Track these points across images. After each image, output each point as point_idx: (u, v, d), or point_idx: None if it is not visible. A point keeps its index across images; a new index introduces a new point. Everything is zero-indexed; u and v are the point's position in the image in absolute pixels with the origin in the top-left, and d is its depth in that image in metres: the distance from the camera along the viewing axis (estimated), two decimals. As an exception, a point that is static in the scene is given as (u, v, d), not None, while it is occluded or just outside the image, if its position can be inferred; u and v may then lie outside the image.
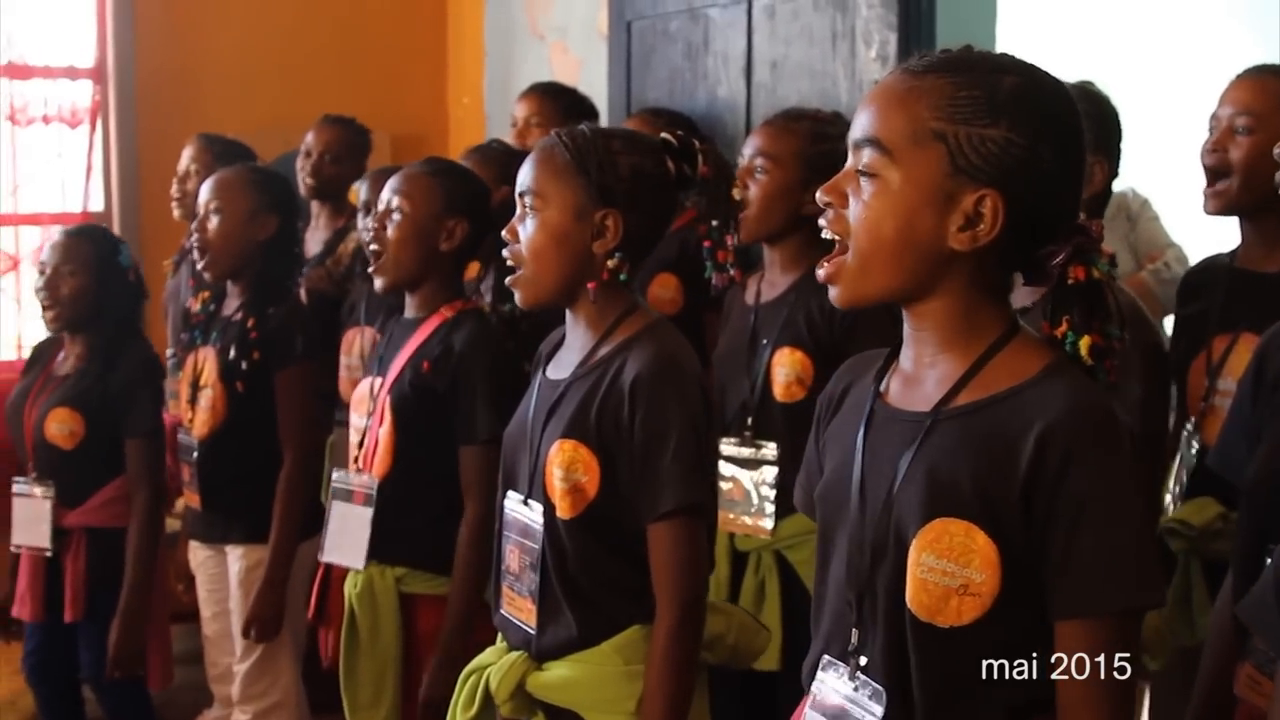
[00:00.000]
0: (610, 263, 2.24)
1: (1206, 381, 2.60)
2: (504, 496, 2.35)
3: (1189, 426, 2.66)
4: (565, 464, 2.19)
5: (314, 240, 4.52)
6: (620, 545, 2.20)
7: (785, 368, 3.01)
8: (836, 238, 1.58)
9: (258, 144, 4.72)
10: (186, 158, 4.55)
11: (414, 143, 5.71)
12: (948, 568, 1.50)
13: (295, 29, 5.75)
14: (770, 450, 3.01)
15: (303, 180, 4.55)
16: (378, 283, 2.99)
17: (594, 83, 5.20)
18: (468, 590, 2.77)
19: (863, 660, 1.58)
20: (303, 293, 4.09)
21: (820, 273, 1.60)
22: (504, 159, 3.51)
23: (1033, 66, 1.58)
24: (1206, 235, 3.05)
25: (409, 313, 3.01)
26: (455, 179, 3.01)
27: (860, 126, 1.57)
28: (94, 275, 3.62)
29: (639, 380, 2.16)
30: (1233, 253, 2.74)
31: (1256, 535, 1.90)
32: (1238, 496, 2.36)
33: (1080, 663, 1.49)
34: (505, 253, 2.32)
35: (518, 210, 2.30)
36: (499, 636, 2.35)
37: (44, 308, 3.62)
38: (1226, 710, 1.93)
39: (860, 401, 1.67)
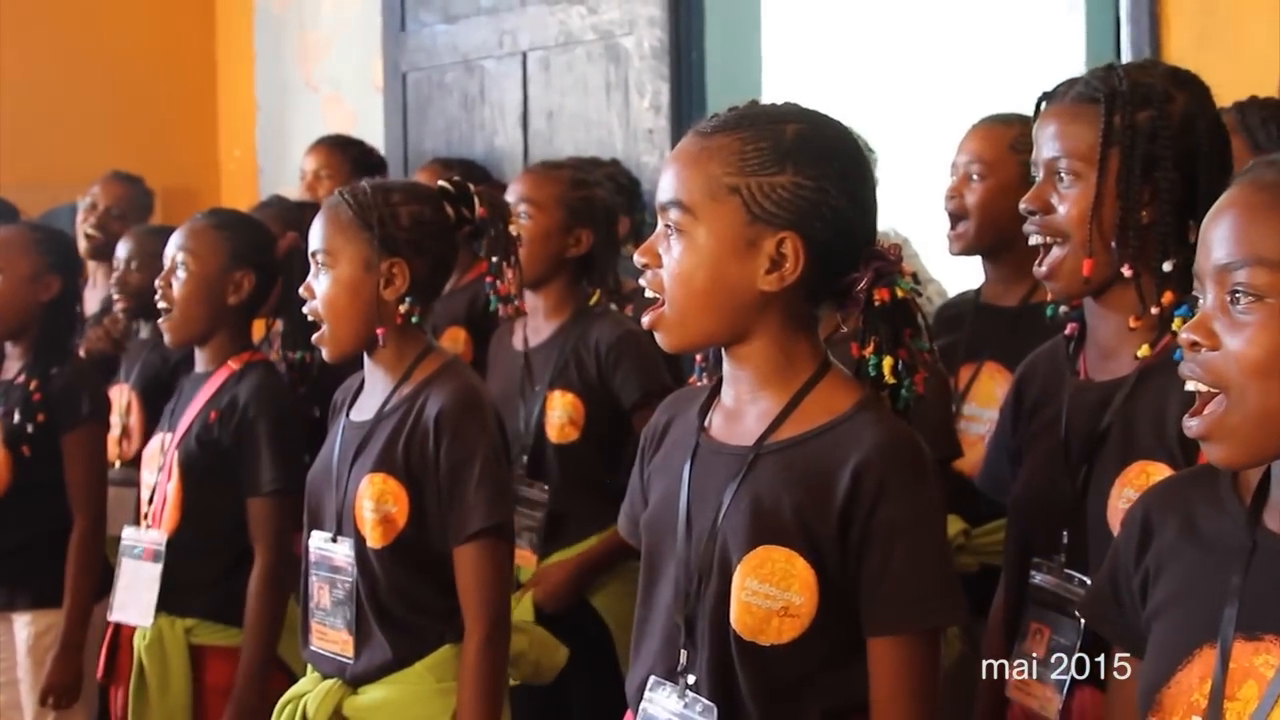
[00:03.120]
0: (401, 308, 2.37)
1: (954, 407, 2.75)
2: (308, 537, 2.43)
3: None
4: (376, 496, 2.31)
5: (92, 298, 4.44)
6: (429, 570, 2.32)
7: (559, 410, 3.09)
8: (656, 295, 1.68)
9: (24, 198, 4.62)
10: None
11: (185, 196, 5.63)
12: (770, 591, 1.61)
13: (61, 81, 5.63)
14: (542, 491, 3.08)
15: (84, 234, 4.48)
16: (167, 339, 3.00)
17: (370, 134, 5.22)
18: (261, 639, 2.78)
19: (691, 678, 1.67)
20: (81, 352, 4.01)
21: (645, 320, 1.70)
22: (289, 213, 3.52)
23: (814, 113, 1.69)
24: (965, 272, 3.22)
25: (199, 367, 3.01)
26: (240, 231, 3.02)
27: (663, 190, 1.68)
28: None
29: (443, 413, 2.31)
30: (979, 289, 2.93)
31: (1021, 549, 2.04)
32: (976, 515, 2.58)
33: (891, 675, 1.61)
34: (305, 309, 2.43)
35: (311, 269, 2.42)
36: (308, 669, 2.42)
37: None
38: (1000, 711, 2.06)
39: (684, 436, 1.77)
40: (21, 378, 3.39)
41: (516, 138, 4.62)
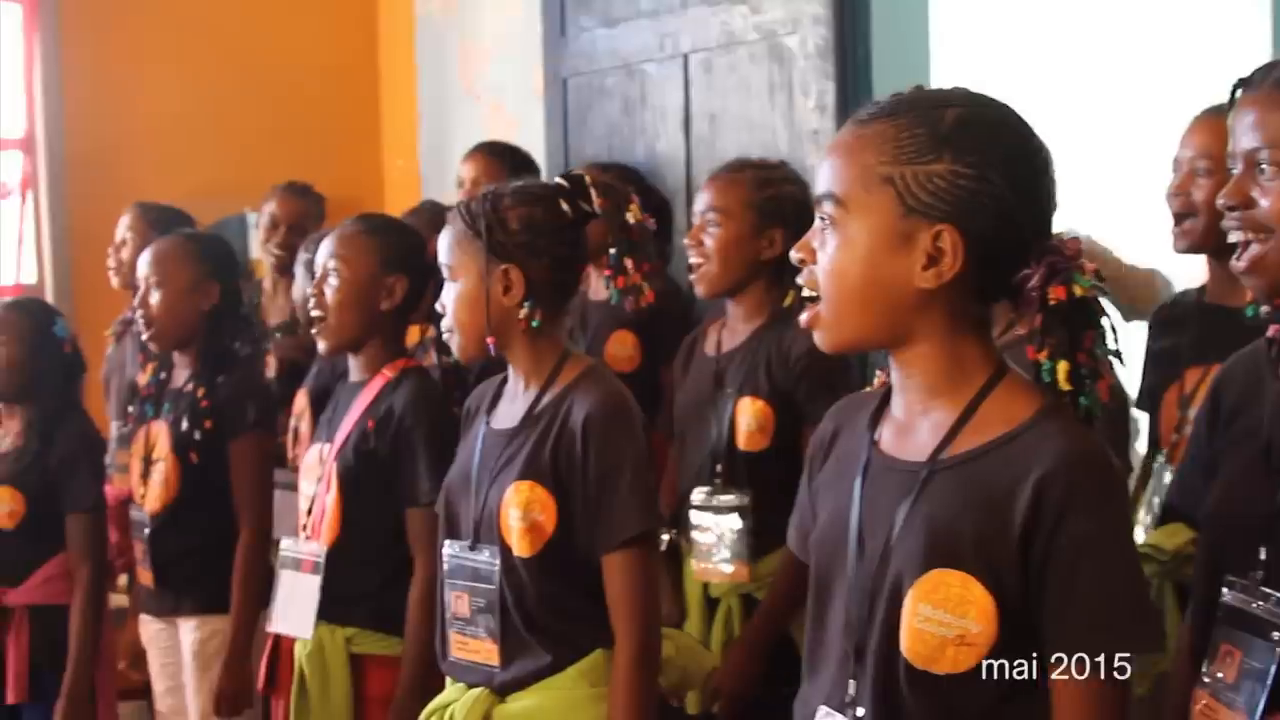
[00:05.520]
0: (522, 313, 2.36)
1: (1179, 413, 2.63)
2: (443, 545, 2.42)
3: (1161, 457, 2.69)
4: (523, 504, 2.29)
5: (274, 309, 4.51)
6: (577, 577, 2.31)
7: (748, 416, 3.02)
8: (812, 293, 1.59)
9: (193, 210, 4.67)
10: (122, 226, 4.52)
11: (349, 205, 5.60)
12: (944, 618, 1.49)
13: (228, 94, 5.71)
14: (741, 498, 3.00)
15: (269, 252, 4.57)
16: (321, 346, 3.00)
17: (530, 141, 5.20)
18: (421, 650, 2.74)
19: (860, 711, 1.56)
20: (273, 361, 4.08)
21: (803, 318, 1.62)
22: (441, 218, 3.50)
23: (979, 96, 1.58)
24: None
25: (353, 375, 2.99)
26: (391, 235, 3.00)
27: (819, 182, 1.59)
28: (28, 346, 3.56)
29: (590, 419, 2.29)
30: (1200, 289, 2.79)
31: (1212, 569, 1.90)
32: None
33: (1077, 708, 1.49)
34: (442, 324, 2.47)
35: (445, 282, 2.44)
36: (448, 680, 2.41)
37: None
38: None
39: (853, 449, 1.66)
40: (189, 386, 3.42)
41: (678, 142, 4.55)
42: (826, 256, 1.57)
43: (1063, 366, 1.53)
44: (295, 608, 2.90)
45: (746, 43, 4.27)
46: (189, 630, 3.43)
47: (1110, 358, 1.56)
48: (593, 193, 2.44)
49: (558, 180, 2.45)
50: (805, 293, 1.61)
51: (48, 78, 5.42)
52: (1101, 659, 1.48)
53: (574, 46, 4.96)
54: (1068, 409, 1.54)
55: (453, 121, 5.68)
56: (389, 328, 2.97)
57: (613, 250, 2.62)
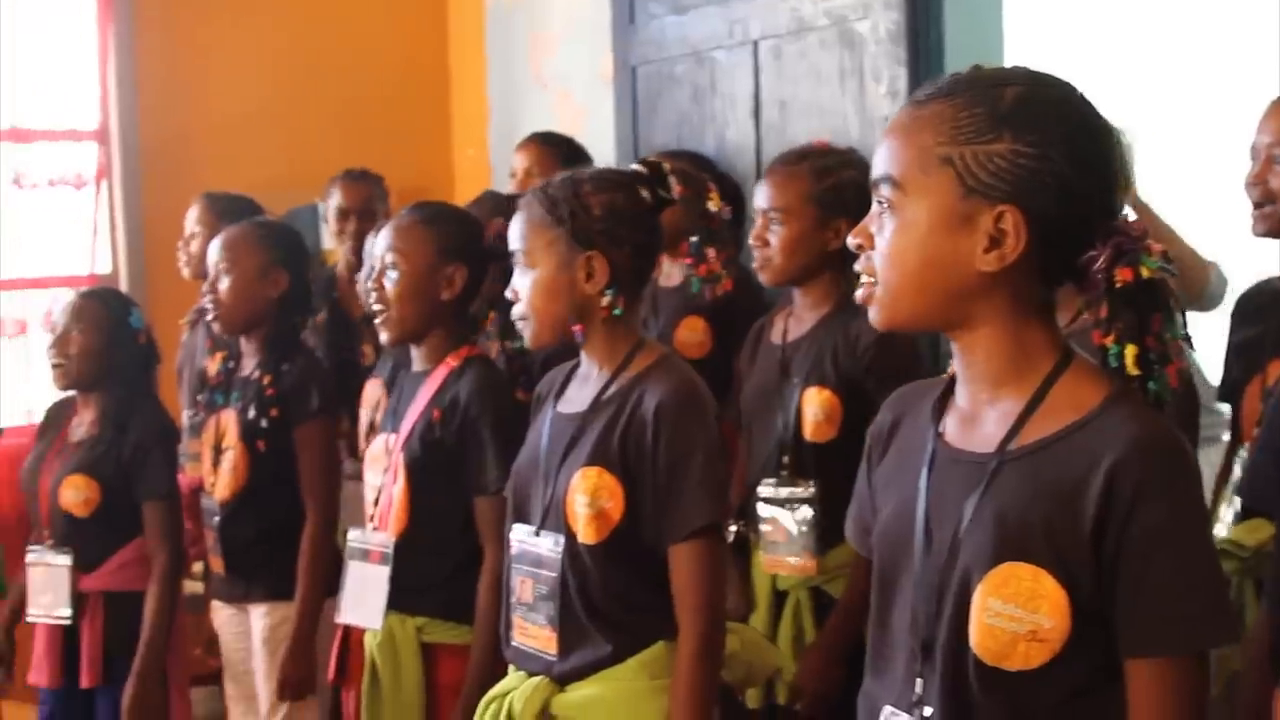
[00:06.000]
0: (605, 300, 2.33)
1: (1262, 405, 2.57)
2: (510, 530, 2.41)
3: (1243, 451, 2.64)
4: (590, 490, 2.27)
5: (355, 299, 4.52)
6: (642, 567, 2.28)
7: (814, 407, 2.98)
8: (870, 279, 1.56)
9: (263, 201, 4.68)
10: (191, 219, 4.54)
11: (419, 195, 5.56)
12: (1015, 612, 1.45)
13: (298, 85, 5.73)
14: (808, 489, 2.97)
15: (343, 242, 4.59)
16: (384, 338, 2.99)
17: (600, 129, 5.18)
18: (490, 638, 2.73)
19: (928, 710, 1.53)
20: (369, 350, 4.10)
21: (857, 295, 1.59)
22: (502, 208, 3.48)
23: (1040, 74, 1.54)
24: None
25: (416, 365, 2.98)
26: (448, 224, 2.98)
27: (876, 165, 1.56)
28: (104, 335, 3.59)
29: (662, 407, 2.26)
30: None
31: None
32: None
33: (1151, 703, 1.45)
34: (512, 313, 2.41)
35: (515, 269, 2.39)
36: (510, 667, 2.40)
37: (52, 365, 3.60)
38: None
39: (916, 440, 1.62)
40: (256, 374, 3.44)
41: (748, 129, 4.52)
42: (884, 240, 1.53)
43: (1130, 351, 1.48)
44: (365, 599, 2.90)
45: (817, 28, 4.24)
46: (259, 616, 3.45)
47: (1180, 342, 1.51)
48: (671, 180, 2.41)
49: (635, 167, 2.42)
50: (863, 279, 1.58)
51: (122, 70, 5.46)
52: (1178, 653, 1.44)
53: (643, 34, 4.93)
54: (1137, 394, 1.49)
55: (522, 111, 5.67)
56: (451, 317, 2.95)
57: (694, 239, 2.59)
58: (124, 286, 5.42)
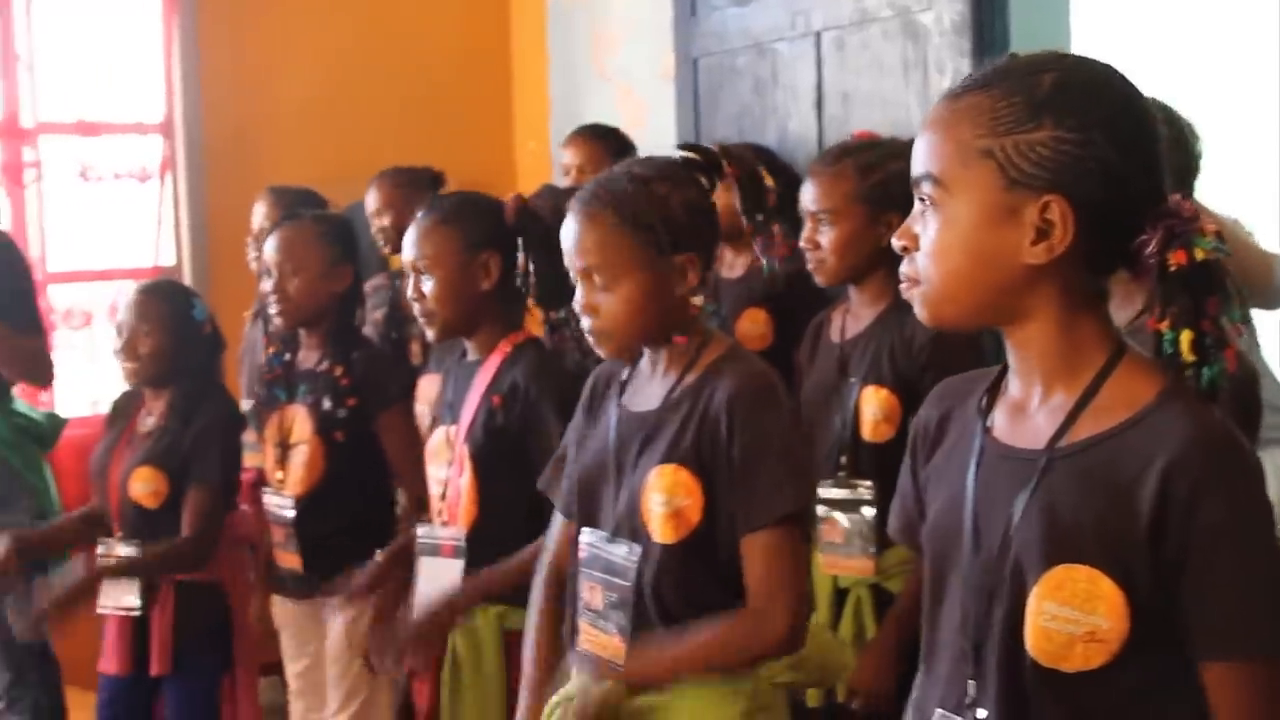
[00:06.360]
0: (696, 300, 2.23)
1: None
2: (579, 532, 2.31)
3: None
4: (667, 489, 2.17)
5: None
6: (717, 569, 2.17)
7: (873, 406, 2.94)
8: (916, 281, 1.53)
9: (325, 194, 4.70)
10: (259, 214, 4.54)
11: (481, 188, 5.63)
12: (1071, 615, 1.41)
13: (360, 79, 5.76)
14: (866, 489, 2.93)
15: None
16: (430, 336, 2.97)
17: (661, 123, 5.17)
18: (508, 583, 2.71)
19: (980, 713, 1.49)
20: (416, 348, 4.10)
21: (903, 289, 1.55)
22: (559, 202, 3.47)
23: (1077, 58, 1.50)
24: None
25: (470, 355, 2.96)
26: (467, 216, 2.91)
27: (915, 163, 1.52)
28: (170, 332, 3.59)
29: (735, 399, 2.15)
30: None
31: None
32: None
33: (1233, 707, 1.41)
34: (587, 328, 2.27)
35: (580, 284, 2.25)
36: (573, 670, 2.30)
37: (123, 366, 3.61)
38: None
39: (964, 435, 1.59)
40: (324, 366, 3.43)
41: (810, 121, 4.49)
42: (929, 239, 1.49)
43: (1186, 336, 1.44)
44: (440, 592, 2.87)
45: (880, 19, 4.21)
46: (337, 610, 3.41)
47: (1236, 324, 1.46)
48: (724, 163, 2.34)
49: (684, 154, 2.32)
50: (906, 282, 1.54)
51: (186, 64, 5.50)
52: (1251, 654, 1.40)
53: (705, 26, 4.92)
54: (1192, 390, 1.44)
55: (584, 104, 5.67)
56: (497, 303, 2.90)
57: (759, 218, 2.53)
58: (187, 278, 5.46)
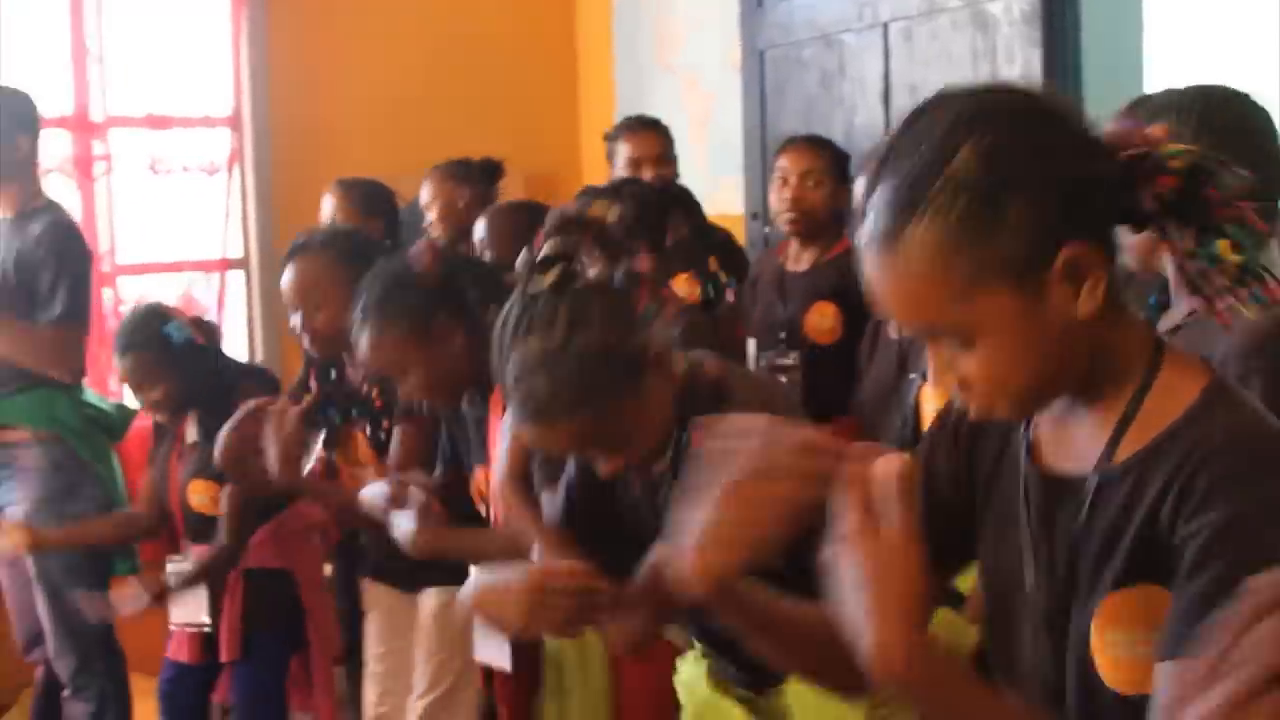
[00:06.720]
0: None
1: None
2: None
3: None
4: None
5: None
6: None
7: (933, 404, 2.88)
8: (984, 408, 1.39)
9: (391, 187, 4.71)
10: (329, 206, 4.53)
11: (547, 181, 5.69)
12: (1140, 637, 1.32)
13: (426, 71, 5.78)
14: None
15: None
16: (438, 410, 3.00)
17: (727, 114, 5.16)
18: (495, 545, 2.67)
19: None
20: None
21: (973, 411, 1.41)
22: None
23: (953, 96, 1.35)
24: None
25: (477, 410, 2.94)
26: (399, 310, 2.78)
27: (905, 325, 1.38)
28: (169, 372, 3.54)
29: None
30: None
31: None
32: None
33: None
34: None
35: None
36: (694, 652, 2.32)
37: (147, 408, 3.64)
38: None
39: (1007, 459, 1.48)
40: (365, 387, 3.44)
41: (878, 114, 4.46)
42: (979, 375, 1.34)
43: (1223, 244, 1.31)
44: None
45: (949, 10, 4.17)
46: (428, 596, 3.35)
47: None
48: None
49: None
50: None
51: (254, 56, 5.54)
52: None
53: (771, 18, 4.90)
54: (1234, 389, 1.35)
55: (649, 96, 5.66)
56: (475, 350, 2.66)
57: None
58: (254, 271, 5.51)
